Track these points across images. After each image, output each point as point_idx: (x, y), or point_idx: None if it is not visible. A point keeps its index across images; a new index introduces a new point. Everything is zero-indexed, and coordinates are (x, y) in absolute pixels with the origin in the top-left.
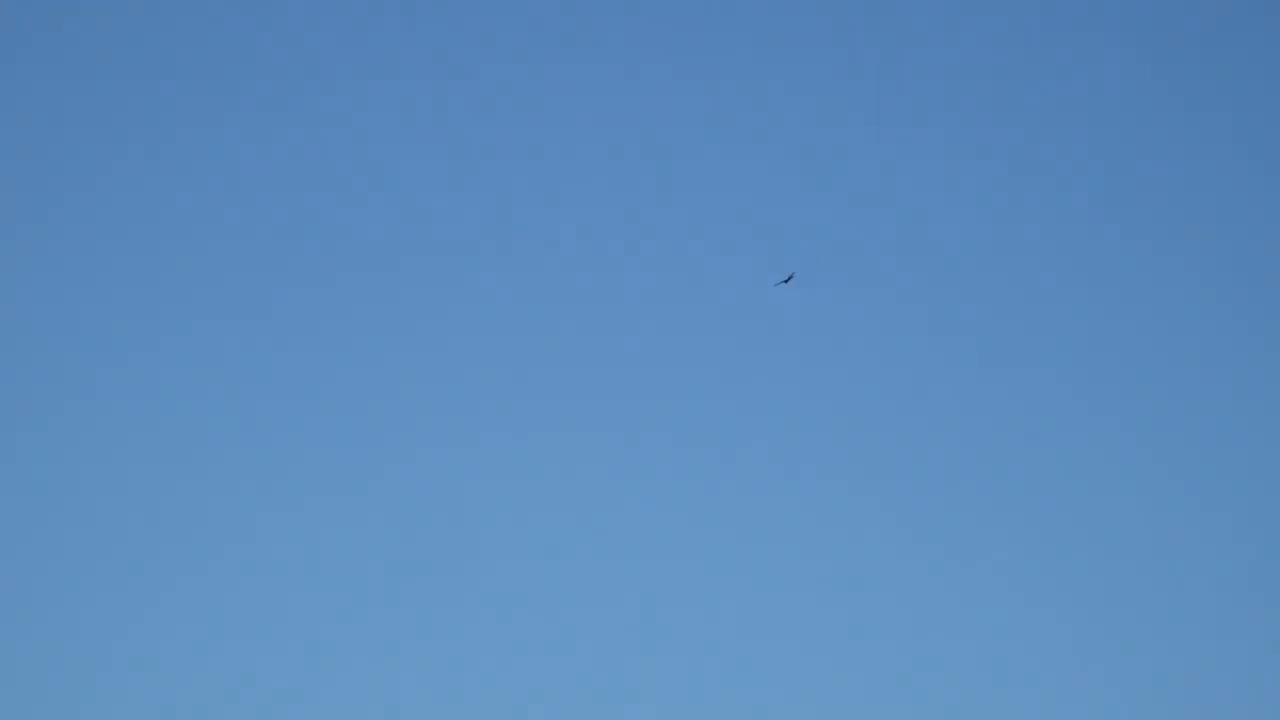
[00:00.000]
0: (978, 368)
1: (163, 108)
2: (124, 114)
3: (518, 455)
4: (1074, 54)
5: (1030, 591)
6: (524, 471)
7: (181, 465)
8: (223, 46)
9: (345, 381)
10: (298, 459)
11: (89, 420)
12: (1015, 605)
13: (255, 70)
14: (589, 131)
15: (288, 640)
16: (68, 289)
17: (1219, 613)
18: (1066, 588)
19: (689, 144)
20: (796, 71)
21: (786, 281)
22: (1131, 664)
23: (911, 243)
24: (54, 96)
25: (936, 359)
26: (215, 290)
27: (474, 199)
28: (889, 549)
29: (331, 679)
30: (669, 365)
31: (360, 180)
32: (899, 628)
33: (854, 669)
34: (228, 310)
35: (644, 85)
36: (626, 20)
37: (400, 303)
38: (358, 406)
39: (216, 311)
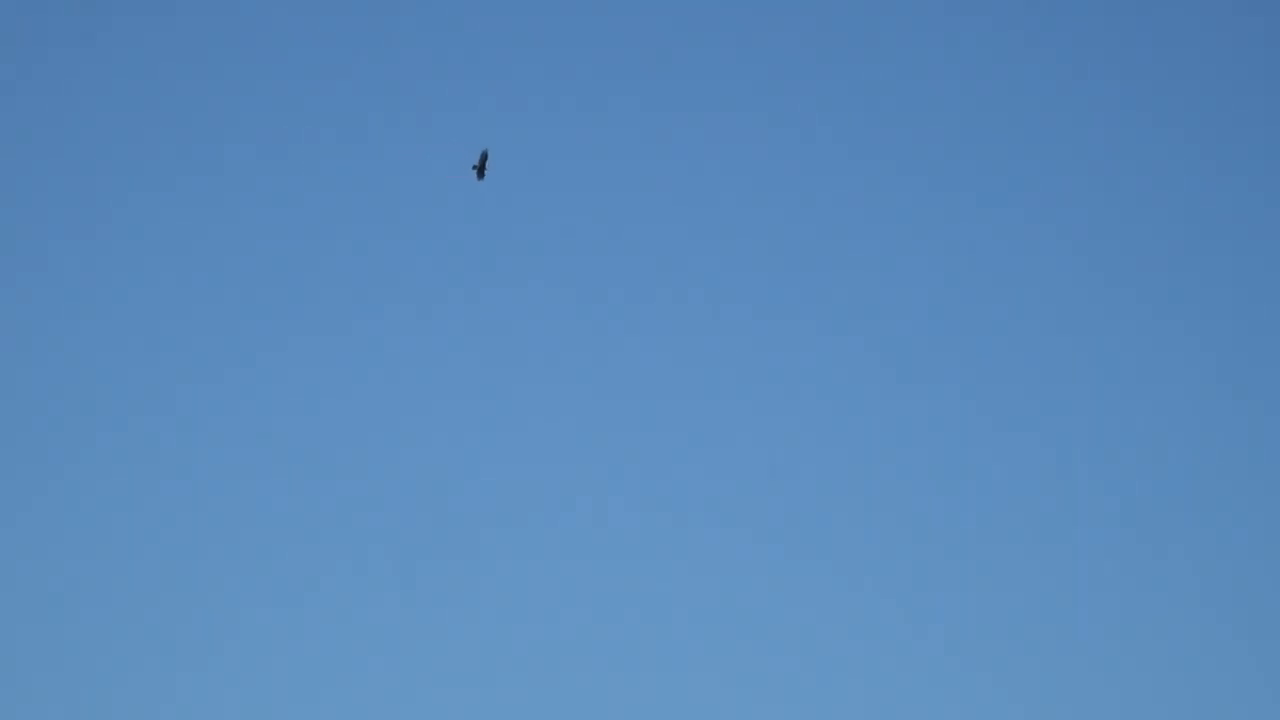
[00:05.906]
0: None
1: (171, 113)
2: (132, 117)
3: (517, 455)
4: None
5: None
6: (522, 471)
7: (181, 465)
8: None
9: (347, 383)
10: (297, 454)
11: (91, 423)
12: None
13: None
14: (585, 137)
15: (287, 638)
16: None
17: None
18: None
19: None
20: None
21: (482, 166)
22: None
23: (905, 243)
24: (55, 101)
25: (934, 360)
26: (215, 291)
27: (470, 205)
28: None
29: (331, 678)
30: (665, 364)
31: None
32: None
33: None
34: (228, 310)
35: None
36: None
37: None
38: (360, 408)
39: (217, 312)
